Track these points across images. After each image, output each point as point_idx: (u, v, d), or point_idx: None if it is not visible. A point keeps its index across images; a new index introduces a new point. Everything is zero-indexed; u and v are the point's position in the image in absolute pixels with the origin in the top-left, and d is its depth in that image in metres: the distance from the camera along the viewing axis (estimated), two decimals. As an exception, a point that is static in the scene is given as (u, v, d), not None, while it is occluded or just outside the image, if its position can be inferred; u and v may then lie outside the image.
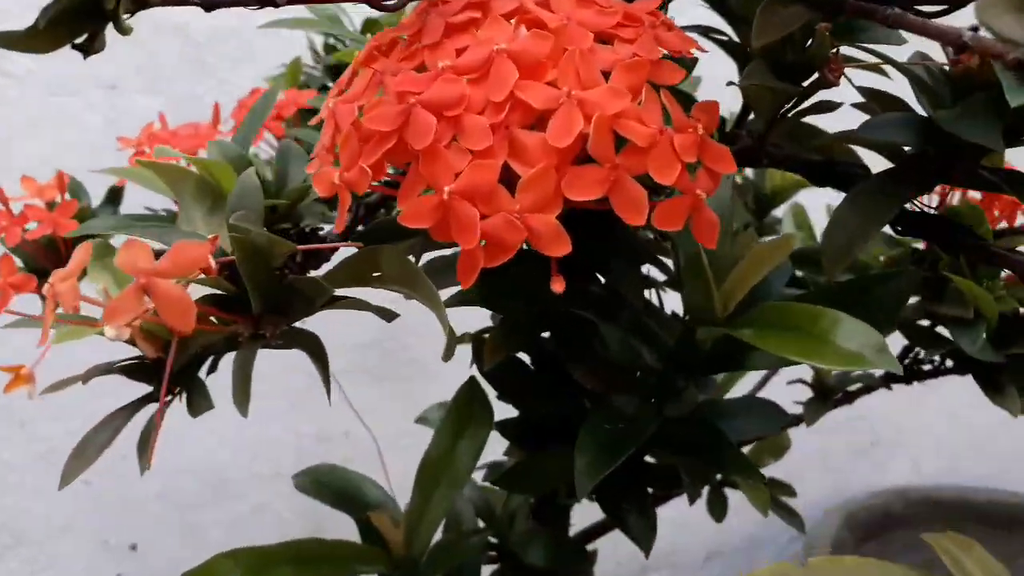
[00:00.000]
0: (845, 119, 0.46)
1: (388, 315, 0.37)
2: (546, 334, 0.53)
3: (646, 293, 0.54)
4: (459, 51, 0.36)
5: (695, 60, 0.51)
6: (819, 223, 0.84)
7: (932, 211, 0.43)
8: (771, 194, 0.85)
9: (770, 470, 0.80)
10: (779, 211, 0.88)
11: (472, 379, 0.56)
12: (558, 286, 0.35)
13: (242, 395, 0.36)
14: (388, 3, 0.34)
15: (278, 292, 0.37)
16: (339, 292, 0.38)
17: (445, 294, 0.45)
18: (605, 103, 0.34)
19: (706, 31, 0.54)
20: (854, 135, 0.37)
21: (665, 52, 0.37)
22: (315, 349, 0.43)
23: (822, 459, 1.44)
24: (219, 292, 0.37)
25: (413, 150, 0.34)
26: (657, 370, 0.45)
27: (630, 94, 0.34)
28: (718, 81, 0.54)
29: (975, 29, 0.28)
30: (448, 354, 0.34)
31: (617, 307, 0.46)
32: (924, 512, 1.34)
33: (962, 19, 0.35)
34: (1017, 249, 0.45)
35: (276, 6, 0.33)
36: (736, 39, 0.49)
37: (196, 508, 1.21)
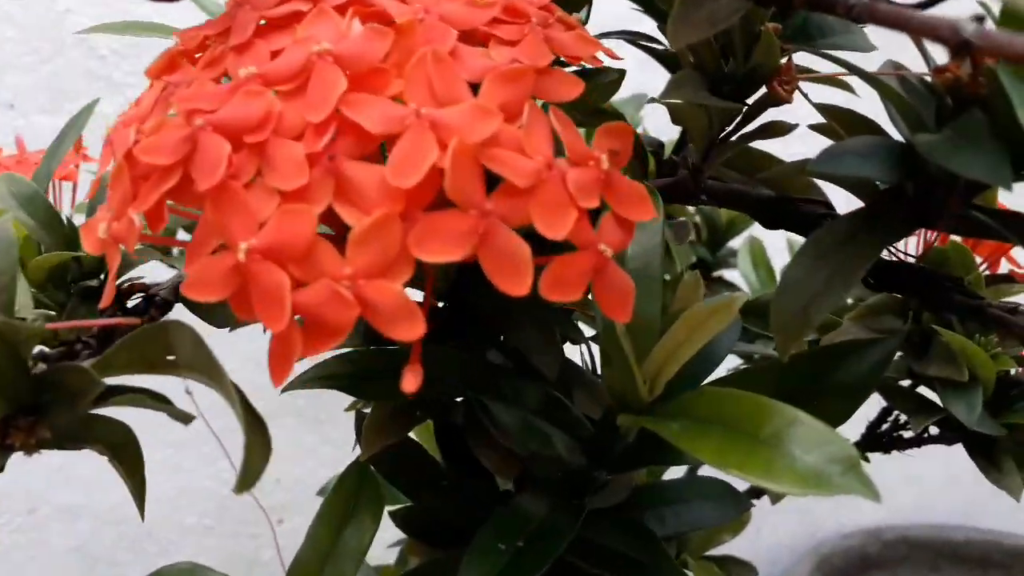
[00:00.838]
0: (804, 144, 0.37)
1: (185, 418, 0.27)
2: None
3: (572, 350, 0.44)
4: (275, 54, 0.26)
5: (622, 71, 0.42)
6: (780, 257, 0.76)
7: (910, 257, 0.34)
8: (726, 224, 0.77)
9: None
10: (736, 241, 0.79)
11: (359, 463, 0.45)
12: (410, 384, 0.26)
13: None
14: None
15: (29, 387, 0.26)
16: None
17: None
18: (468, 125, 0.24)
19: (633, 37, 0.45)
20: (812, 166, 0.28)
21: (559, 58, 0.28)
22: (118, 444, 0.33)
23: (788, 497, 1.36)
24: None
25: (200, 190, 0.24)
26: (571, 463, 0.35)
27: (505, 114, 0.25)
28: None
29: (979, 19, 0.19)
30: (243, 486, 0.24)
31: (523, 380, 0.37)
32: (900, 553, 1.29)
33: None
34: (1005, 301, 0.36)
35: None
36: (669, 46, 0.40)
37: (115, 564, 1.10)
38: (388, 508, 0.47)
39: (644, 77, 0.50)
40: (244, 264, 0.23)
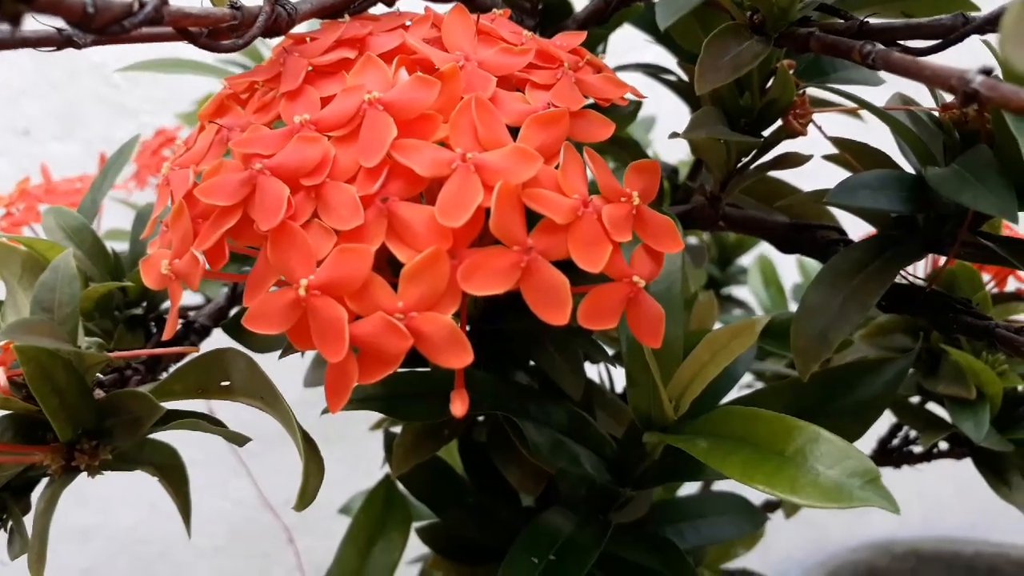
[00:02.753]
0: (818, 173, 0.39)
1: (240, 440, 0.28)
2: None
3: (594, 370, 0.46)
4: (325, 101, 0.28)
5: (638, 103, 0.43)
6: (790, 275, 0.77)
7: (920, 280, 0.36)
8: (735, 242, 0.79)
9: None
10: (745, 259, 0.81)
11: (387, 479, 0.47)
12: (459, 408, 0.27)
13: (38, 553, 0.27)
14: (224, 43, 0.26)
15: (92, 412, 0.28)
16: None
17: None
18: (511, 169, 0.26)
19: (655, 71, 0.47)
20: (829, 198, 0.30)
21: (591, 100, 0.30)
22: (167, 466, 0.34)
23: (799, 511, 1.36)
24: (22, 413, 0.29)
25: (260, 231, 0.26)
26: (597, 480, 0.37)
27: (543, 156, 0.26)
28: (681, 116, 0.46)
29: (987, 72, 0.21)
30: (302, 503, 0.26)
31: (550, 401, 0.38)
32: (909, 566, 1.29)
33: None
34: (1012, 321, 0.38)
35: (78, 47, 0.24)
36: (686, 79, 0.42)
37: (128, 587, 1.10)
38: (415, 524, 0.48)
39: (651, 95, 0.52)
40: (304, 299, 0.25)
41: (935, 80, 0.22)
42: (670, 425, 0.34)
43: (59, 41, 0.25)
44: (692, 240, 0.65)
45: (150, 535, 1.09)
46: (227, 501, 1.16)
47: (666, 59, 0.47)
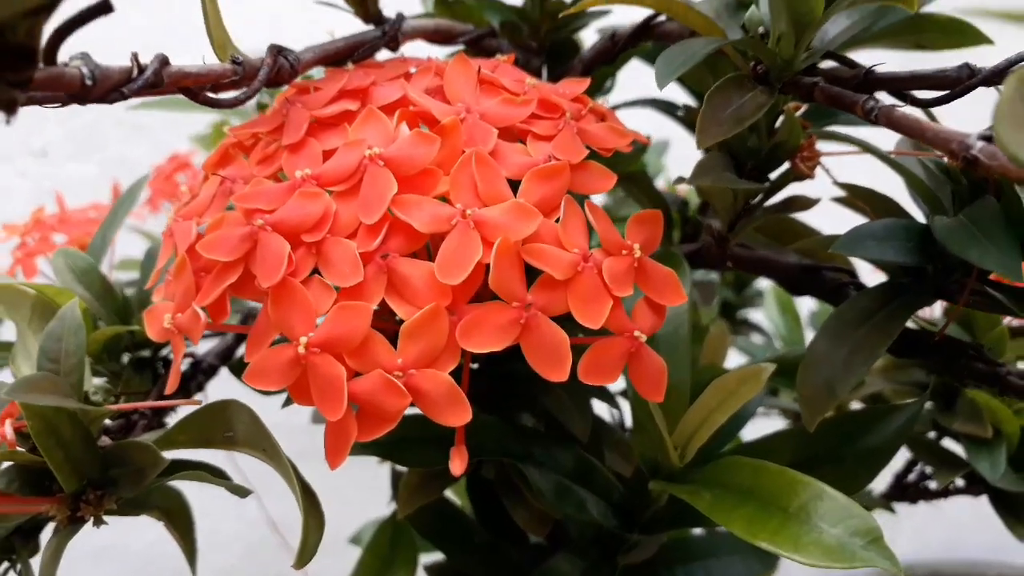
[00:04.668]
0: (832, 210, 0.38)
1: (242, 492, 0.28)
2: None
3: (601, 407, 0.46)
4: (327, 154, 0.28)
5: (645, 144, 0.43)
6: (806, 303, 0.76)
7: (931, 325, 0.35)
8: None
9: None
10: (761, 281, 0.80)
11: (394, 518, 0.47)
12: (457, 467, 0.27)
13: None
14: (223, 98, 0.26)
15: (97, 463, 0.28)
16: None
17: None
18: (510, 224, 0.26)
19: (666, 107, 0.47)
20: (836, 248, 0.29)
21: (593, 149, 0.30)
22: (173, 510, 0.34)
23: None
24: (27, 464, 0.29)
25: (261, 287, 0.26)
26: (604, 526, 0.36)
27: (544, 210, 0.26)
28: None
29: (987, 139, 0.21)
30: (302, 561, 0.26)
31: (556, 444, 0.38)
32: None
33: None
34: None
35: (83, 103, 0.25)
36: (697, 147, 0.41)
37: (144, 610, 1.11)
38: (423, 557, 0.48)
39: (666, 120, 0.52)
40: (304, 356, 0.25)
41: (936, 142, 0.22)
42: (676, 473, 0.34)
43: (63, 99, 0.25)
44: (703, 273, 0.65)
45: (162, 556, 1.09)
46: (241, 522, 1.16)
47: (678, 93, 0.47)
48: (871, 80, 0.28)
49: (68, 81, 0.19)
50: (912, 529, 1.41)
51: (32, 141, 1.09)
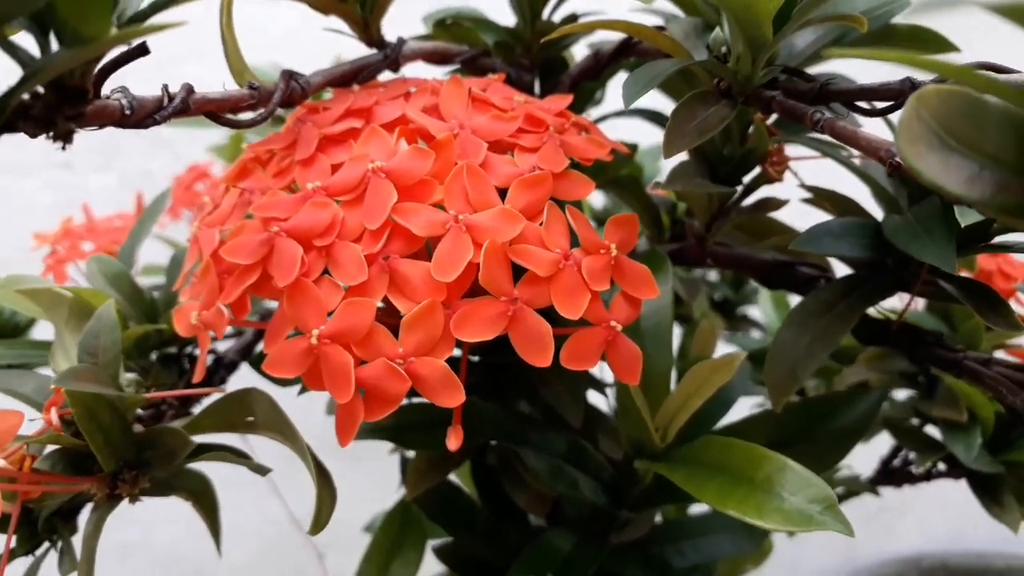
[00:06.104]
0: (809, 210, 0.41)
1: (262, 471, 0.32)
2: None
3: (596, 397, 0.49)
4: (335, 167, 0.31)
5: (631, 152, 0.46)
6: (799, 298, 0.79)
7: (899, 319, 0.38)
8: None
9: (772, 537, 0.74)
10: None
11: (403, 503, 0.50)
12: (453, 443, 0.30)
13: (87, 572, 0.31)
14: (242, 119, 0.29)
15: (132, 446, 0.32)
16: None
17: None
18: (497, 228, 0.29)
19: (652, 116, 0.50)
20: (794, 245, 0.32)
21: (574, 159, 0.33)
22: (199, 492, 0.38)
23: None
24: (70, 447, 0.32)
25: (278, 286, 0.29)
26: (596, 503, 0.39)
27: (528, 215, 0.30)
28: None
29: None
30: (316, 529, 0.29)
31: (550, 429, 0.41)
32: None
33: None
34: (979, 355, 0.40)
35: (123, 127, 0.28)
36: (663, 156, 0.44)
37: (167, 602, 1.14)
38: (430, 542, 0.51)
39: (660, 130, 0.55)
40: (316, 347, 0.28)
41: (868, 150, 0.25)
42: (658, 452, 0.37)
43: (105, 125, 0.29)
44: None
45: (186, 552, 1.13)
46: (260, 519, 1.20)
47: (666, 102, 0.50)
48: (825, 93, 0.31)
49: (111, 112, 0.22)
50: (920, 521, 1.43)
51: (55, 154, 1.13)
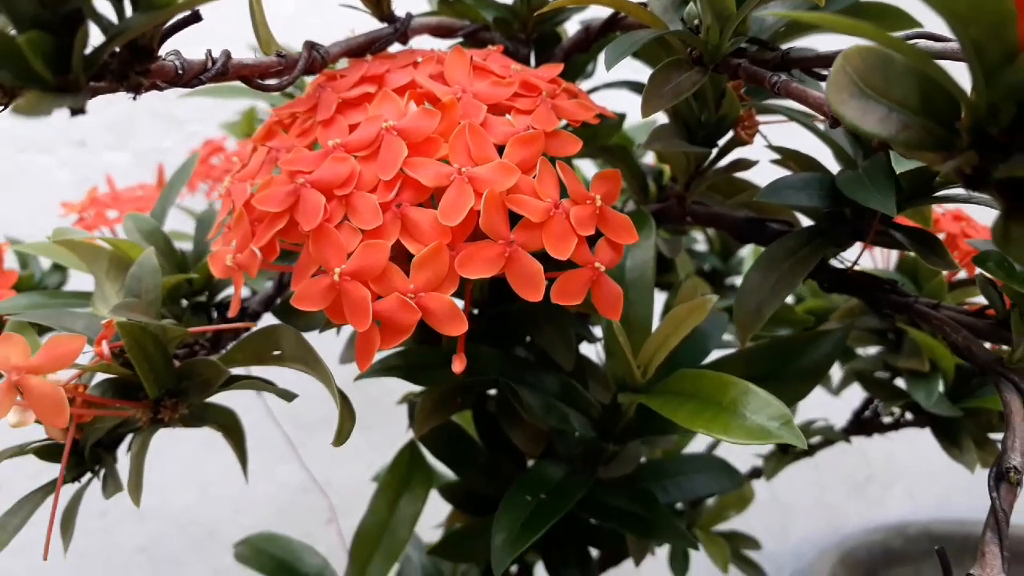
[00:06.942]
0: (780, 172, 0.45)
1: (288, 396, 0.36)
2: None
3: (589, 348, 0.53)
4: (352, 127, 0.35)
5: (622, 117, 0.50)
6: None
7: (853, 266, 0.42)
8: (734, 236, 0.85)
9: (761, 506, 0.78)
10: (745, 250, 0.87)
11: (412, 443, 0.55)
12: (457, 367, 0.34)
13: (135, 483, 0.35)
14: (269, 83, 0.33)
15: (173, 376, 0.36)
16: (240, 371, 0.37)
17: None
18: (496, 179, 0.33)
19: (638, 87, 0.54)
20: (759, 197, 0.36)
21: (565, 121, 0.37)
22: (228, 425, 0.42)
23: (817, 495, 1.41)
24: (118, 377, 0.37)
25: (303, 231, 0.33)
26: (585, 436, 0.44)
27: (523, 169, 0.34)
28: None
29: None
30: (339, 440, 0.33)
31: (544, 371, 0.45)
32: (923, 547, 1.31)
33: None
34: (929, 300, 0.44)
35: (161, 90, 0.32)
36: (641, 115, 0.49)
37: (179, 563, 1.19)
38: (436, 487, 0.56)
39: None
40: (338, 283, 0.32)
41: (815, 106, 0.29)
42: (640, 386, 0.41)
43: (160, 86, 0.33)
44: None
45: (201, 516, 1.18)
46: (273, 484, 1.24)
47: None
48: (787, 60, 0.35)
49: (167, 71, 0.26)
50: (905, 490, 1.47)
51: (72, 132, 1.16)
